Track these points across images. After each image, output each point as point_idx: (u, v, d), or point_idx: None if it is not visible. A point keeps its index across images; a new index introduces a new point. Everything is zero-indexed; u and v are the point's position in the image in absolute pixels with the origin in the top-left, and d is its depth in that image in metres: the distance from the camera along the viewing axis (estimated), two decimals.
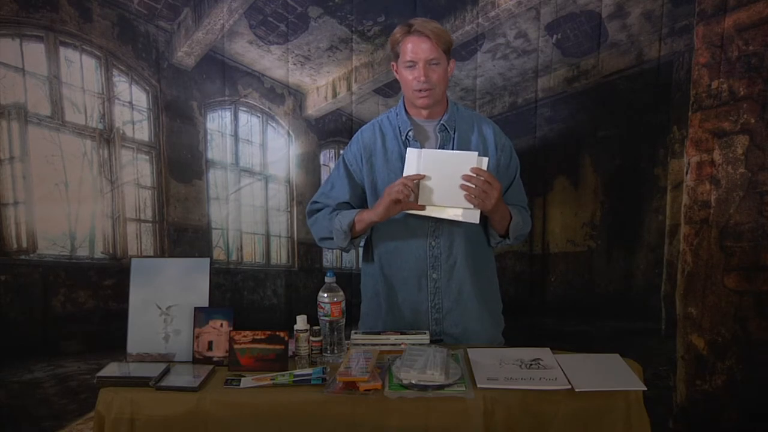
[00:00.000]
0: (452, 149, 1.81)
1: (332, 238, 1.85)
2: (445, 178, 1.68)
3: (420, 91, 1.74)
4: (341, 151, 2.71)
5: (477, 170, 1.66)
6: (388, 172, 1.82)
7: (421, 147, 1.80)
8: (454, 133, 1.82)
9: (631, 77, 2.39)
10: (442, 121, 1.82)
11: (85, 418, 2.50)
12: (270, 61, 2.54)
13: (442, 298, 1.86)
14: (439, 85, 1.75)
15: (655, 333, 2.47)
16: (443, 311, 1.87)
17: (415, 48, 1.71)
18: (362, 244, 1.93)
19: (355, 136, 1.92)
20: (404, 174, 1.71)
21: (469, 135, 1.84)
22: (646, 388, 1.47)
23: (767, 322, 2.33)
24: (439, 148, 1.81)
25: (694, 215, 2.38)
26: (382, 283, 1.91)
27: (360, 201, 1.90)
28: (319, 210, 1.91)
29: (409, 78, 1.74)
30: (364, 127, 1.92)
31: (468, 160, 1.67)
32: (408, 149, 1.73)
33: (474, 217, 1.71)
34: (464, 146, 1.82)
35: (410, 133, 1.82)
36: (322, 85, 2.61)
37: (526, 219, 1.91)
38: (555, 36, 2.41)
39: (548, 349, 1.65)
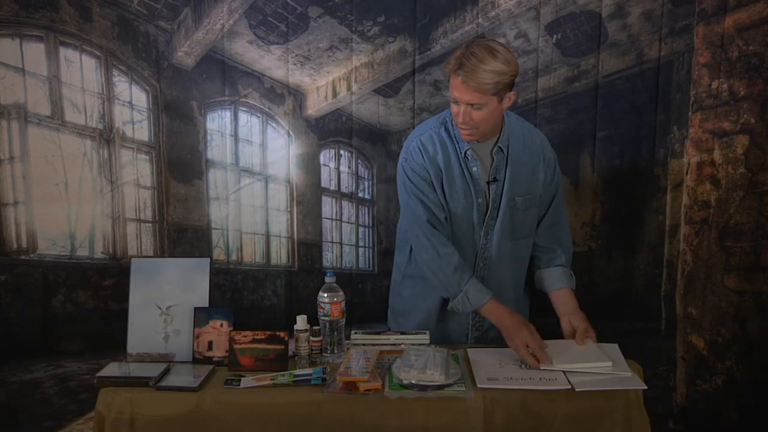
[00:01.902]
0: (506, 168, 1.75)
1: (444, 289, 1.77)
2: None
3: (463, 126, 1.67)
4: (341, 152, 2.72)
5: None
6: (452, 187, 1.75)
7: (478, 165, 1.74)
8: (507, 153, 1.77)
9: (631, 77, 2.39)
10: (498, 144, 1.75)
11: (85, 418, 2.50)
12: (270, 61, 2.54)
13: (484, 317, 1.79)
14: (482, 124, 1.65)
15: (655, 333, 2.47)
16: (483, 329, 1.88)
17: (459, 90, 1.60)
18: None
19: (412, 145, 1.78)
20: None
21: (519, 151, 1.78)
22: (646, 388, 1.47)
23: (767, 322, 2.33)
24: (492, 168, 1.75)
25: (694, 215, 2.38)
26: (421, 286, 1.87)
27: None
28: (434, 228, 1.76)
29: (454, 110, 1.66)
30: (422, 137, 1.78)
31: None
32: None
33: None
34: (517, 164, 1.77)
35: (469, 151, 1.74)
36: (322, 85, 2.60)
37: (569, 254, 1.89)
38: (555, 36, 2.41)
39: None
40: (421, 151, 1.76)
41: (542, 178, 1.81)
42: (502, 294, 1.80)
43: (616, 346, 1.63)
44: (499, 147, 1.76)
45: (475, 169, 1.75)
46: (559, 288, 1.81)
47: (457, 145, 1.75)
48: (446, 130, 1.77)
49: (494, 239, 1.80)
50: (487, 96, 1.59)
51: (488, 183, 1.77)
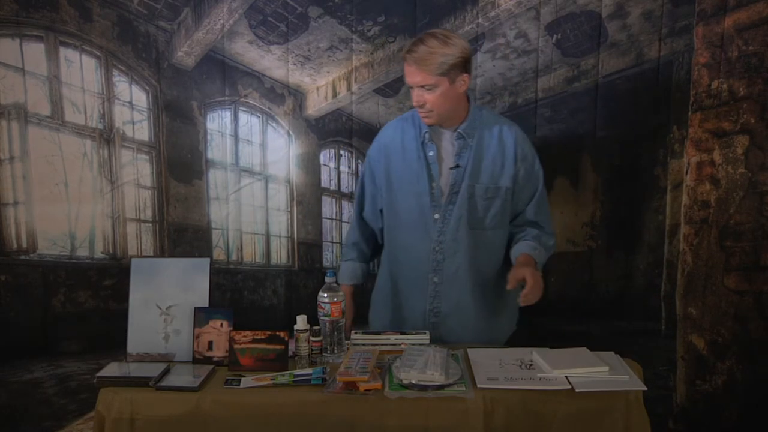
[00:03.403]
0: (469, 156, 1.80)
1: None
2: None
3: (419, 108, 1.75)
4: (341, 151, 2.72)
5: (521, 281, 1.69)
6: (406, 169, 1.84)
7: (438, 150, 1.82)
8: (472, 141, 1.81)
9: (631, 77, 2.39)
10: (459, 129, 1.81)
11: (85, 418, 2.50)
12: (270, 61, 2.54)
13: (441, 303, 1.86)
14: (438, 108, 1.73)
15: (655, 333, 2.47)
16: (441, 315, 1.88)
17: (409, 74, 1.71)
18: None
19: (383, 130, 1.96)
20: None
21: (488, 142, 1.82)
22: (646, 388, 1.47)
23: (767, 322, 2.33)
24: (455, 155, 1.81)
25: (694, 215, 2.38)
26: (388, 277, 1.94)
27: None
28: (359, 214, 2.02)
29: (412, 95, 1.75)
30: (391, 121, 1.95)
31: None
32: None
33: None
34: (482, 154, 1.81)
35: (426, 135, 1.82)
36: (322, 85, 2.61)
37: (547, 244, 1.90)
38: (555, 36, 2.41)
39: (548, 348, 1.65)
40: (379, 140, 1.92)
41: (513, 172, 1.83)
42: (458, 282, 1.84)
43: (612, 353, 1.63)
44: (460, 133, 1.80)
45: (431, 153, 1.81)
46: (518, 256, 1.83)
47: (419, 131, 1.84)
48: (413, 118, 1.87)
49: (451, 225, 1.82)
50: (435, 76, 1.67)
51: (451, 169, 1.82)
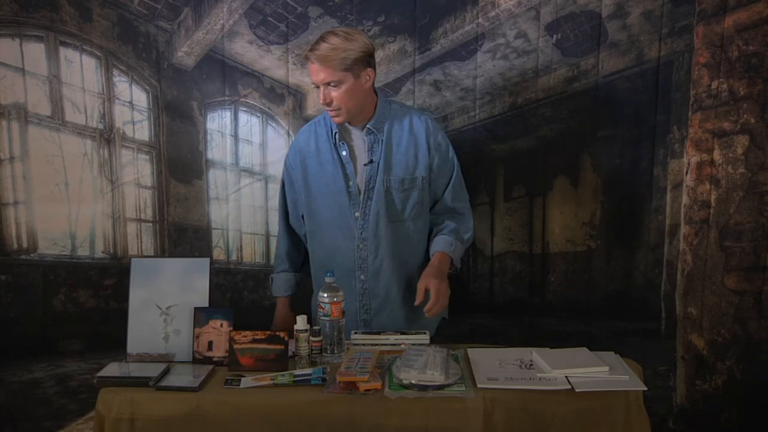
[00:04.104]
0: (381, 151, 1.83)
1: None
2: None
3: (326, 107, 1.77)
4: None
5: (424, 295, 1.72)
6: (321, 172, 1.87)
7: (350, 149, 1.84)
8: (382, 135, 1.84)
9: (631, 77, 2.39)
10: (368, 125, 1.83)
11: (85, 418, 2.50)
12: (270, 61, 2.54)
13: (370, 299, 1.88)
14: (345, 104, 1.75)
15: (655, 333, 2.47)
16: (371, 312, 1.89)
17: (313, 72, 1.73)
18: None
19: (297, 135, 2.00)
20: None
21: (399, 135, 1.85)
22: (646, 388, 1.47)
23: (767, 322, 2.33)
24: (368, 151, 1.84)
25: (694, 215, 2.38)
26: (317, 281, 1.97)
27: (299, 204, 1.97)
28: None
29: (319, 95, 1.76)
30: (304, 126, 1.99)
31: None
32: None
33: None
34: (394, 147, 1.84)
35: (337, 135, 1.85)
36: None
37: (464, 237, 1.92)
38: (555, 36, 2.41)
39: (548, 348, 1.65)
40: (294, 146, 1.96)
41: (428, 162, 1.85)
42: (384, 276, 1.86)
43: (612, 353, 1.63)
44: (369, 128, 1.82)
45: (344, 153, 1.84)
46: (434, 253, 1.85)
47: (330, 131, 1.86)
48: (324, 119, 1.90)
49: (371, 221, 1.84)
50: (339, 72, 1.70)
51: (365, 165, 1.84)
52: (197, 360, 1.61)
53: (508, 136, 2.53)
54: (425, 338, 1.73)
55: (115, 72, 2.49)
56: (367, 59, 1.75)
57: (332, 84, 1.71)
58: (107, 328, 2.50)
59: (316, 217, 1.92)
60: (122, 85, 2.51)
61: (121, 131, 2.52)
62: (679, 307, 2.43)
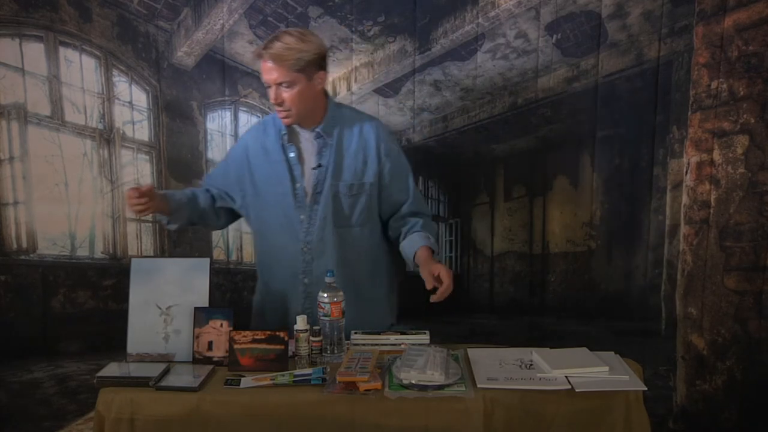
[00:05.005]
0: (330, 155, 1.81)
1: None
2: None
3: (277, 107, 1.74)
4: None
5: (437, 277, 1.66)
6: (268, 173, 1.84)
7: (298, 151, 1.83)
8: (331, 140, 1.82)
9: (631, 77, 2.39)
10: (317, 129, 1.81)
11: (85, 418, 2.50)
12: None
13: (313, 303, 1.76)
14: (296, 106, 1.72)
15: (655, 333, 2.47)
16: (314, 316, 1.84)
17: (265, 71, 1.69)
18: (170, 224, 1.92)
19: (245, 132, 1.98)
20: None
21: (349, 140, 1.83)
22: (646, 388, 1.47)
23: (767, 322, 2.33)
24: (316, 154, 1.82)
25: (694, 215, 2.38)
26: (262, 282, 1.95)
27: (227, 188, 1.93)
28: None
29: (269, 94, 1.74)
30: (254, 125, 1.98)
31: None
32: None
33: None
34: (343, 152, 1.82)
35: (285, 136, 1.82)
36: None
37: (433, 230, 1.91)
38: (555, 36, 2.41)
39: (548, 348, 1.65)
40: (241, 142, 1.94)
41: (377, 169, 1.83)
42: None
43: (612, 353, 1.63)
44: (318, 132, 1.81)
45: (292, 155, 1.82)
46: (416, 249, 1.81)
47: (279, 132, 1.84)
48: (273, 120, 1.86)
49: (317, 225, 1.82)
50: (291, 73, 1.67)
51: (314, 169, 1.82)
52: (197, 360, 1.61)
53: (508, 136, 2.54)
54: (425, 338, 1.73)
55: (115, 72, 2.49)
56: (320, 62, 1.73)
57: (284, 84, 1.69)
58: (107, 329, 2.50)
59: (263, 217, 1.89)
60: (122, 85, 2.51)
61: (121, 131, 2.52)
62: (679, 307, 2.43)
